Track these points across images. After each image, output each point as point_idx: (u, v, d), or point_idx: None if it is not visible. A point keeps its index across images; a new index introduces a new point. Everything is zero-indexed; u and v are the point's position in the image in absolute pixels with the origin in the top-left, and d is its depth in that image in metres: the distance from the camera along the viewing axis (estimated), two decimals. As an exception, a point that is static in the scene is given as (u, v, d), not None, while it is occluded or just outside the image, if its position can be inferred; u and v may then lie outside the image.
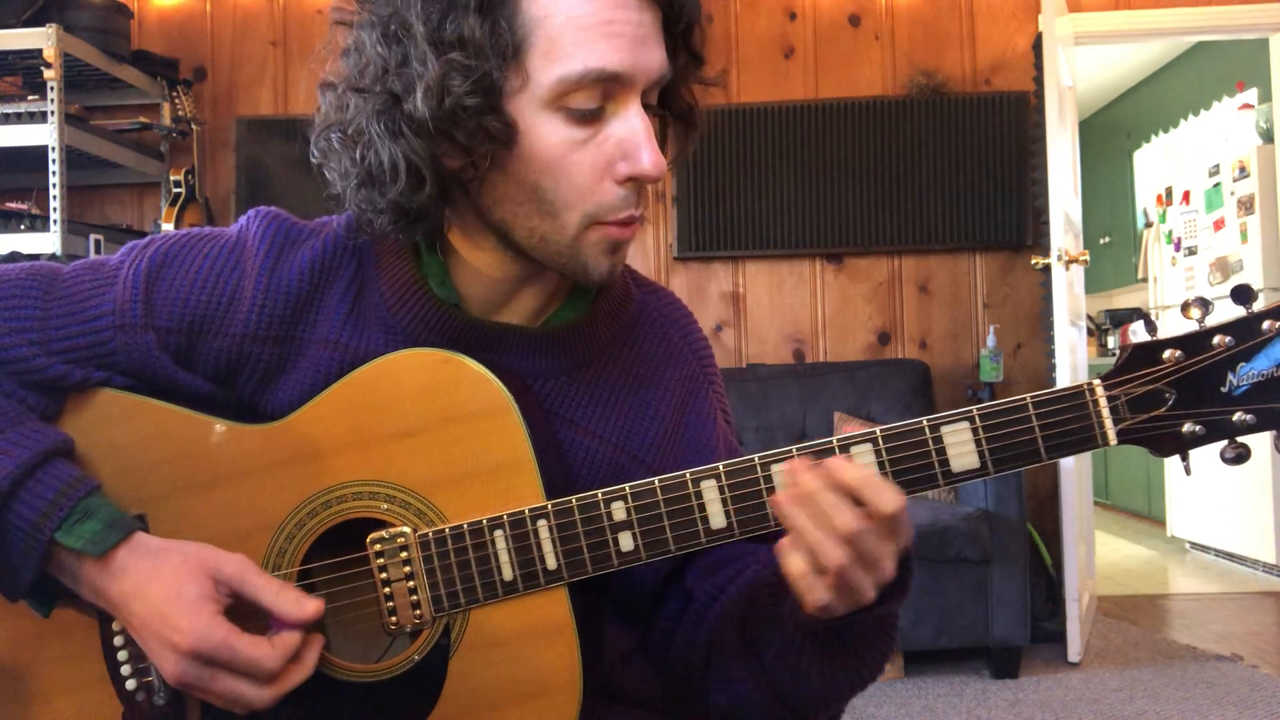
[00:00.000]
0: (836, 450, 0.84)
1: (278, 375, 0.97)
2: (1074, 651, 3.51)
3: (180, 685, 0.85)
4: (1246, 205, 5.05)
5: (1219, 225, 5.32)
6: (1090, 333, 7.02)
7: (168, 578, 0.85)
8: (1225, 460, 0.82)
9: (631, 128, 0.87)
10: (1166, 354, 0.82)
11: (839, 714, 0.98)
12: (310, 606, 0.87)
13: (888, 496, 0.78)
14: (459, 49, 0.83)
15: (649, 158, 0.87)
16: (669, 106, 0.96)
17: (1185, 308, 0.82)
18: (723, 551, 1.00)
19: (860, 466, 0.81)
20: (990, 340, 4.16)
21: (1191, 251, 5.62)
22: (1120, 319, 7.03)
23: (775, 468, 0.85)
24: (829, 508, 0.79)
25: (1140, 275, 6.67)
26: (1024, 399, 0.82)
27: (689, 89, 0.97)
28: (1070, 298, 3.67)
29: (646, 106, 0.90)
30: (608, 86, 0.85)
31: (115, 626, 0.93)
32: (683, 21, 0.91)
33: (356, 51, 0.88)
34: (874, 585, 0.82)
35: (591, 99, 0.85)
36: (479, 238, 0.95)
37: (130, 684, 0.92)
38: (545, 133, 0.86)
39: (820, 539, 0.79)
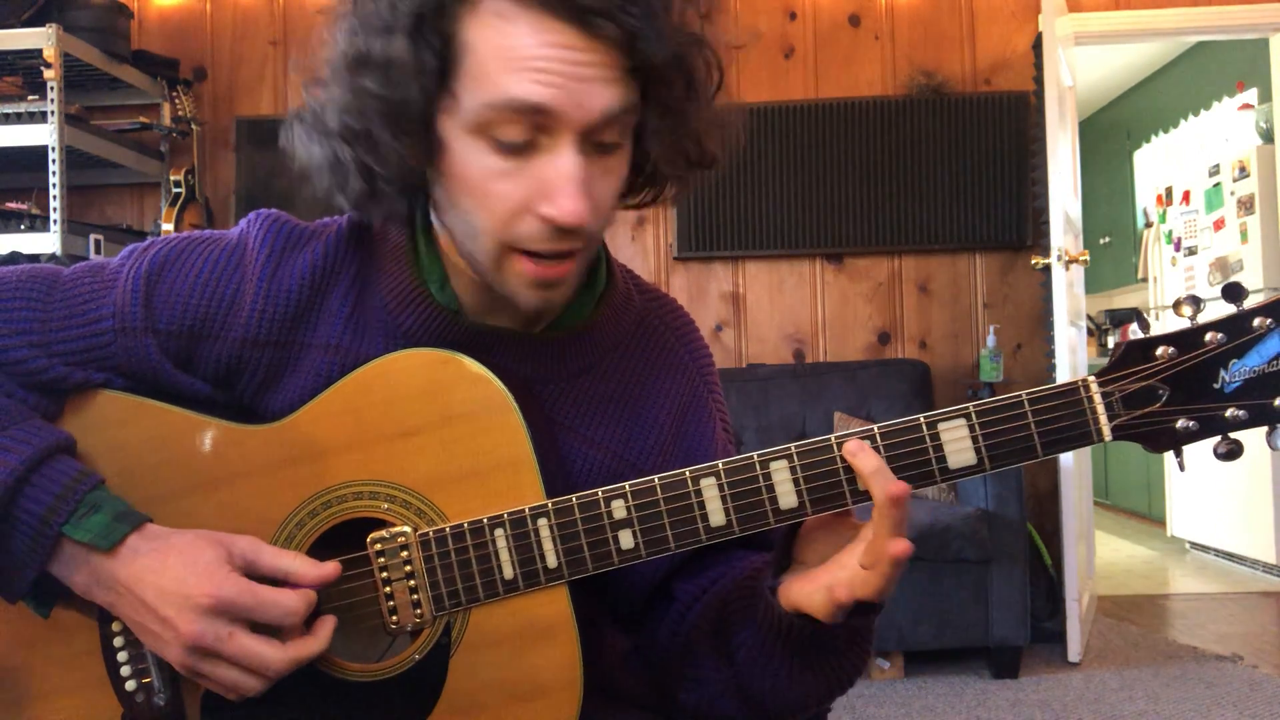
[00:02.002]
0: (835, 449, 0.85)
1: (278, 379, 0.97)
2: (1074, 651, 3.51)
3: (195, 646, 0.84)
4: (1246, 205, 5.05)
5: (1219, 225, 5.32)
6: (1090, 333, 7.02)
7: (184, 549, 0.86)
8: (1218, 456, 0.83)
9: (556, 169, 0.84)
10: (1160, 351, 0.83)
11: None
12: (327, 566, 0.88)
13: (898, 485, 0.82)
14: (378, 71, 0.84)
15: (567, 204, 0.84)
16: (648, 148, 0.92)
17: (1177, 305, 0.83)
18: (709, 555, 1.01)
19: (874, 455, 0.84)
20: (990, 340, 4.16)
21: (1191, 251, 5.62)
22: (1120, 319, 7.03)
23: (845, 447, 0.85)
24: (853, 456, 0.83)
25: (1140, 275, 6.67)
26: (1020, 396, 0.84)
27: (666, 132, 0.91)
28: (1070, 298, 3.67)
29: (606, 145, 0.87)
30: (537, 120, 0.83)
31: (115, 627, 0.93)
32: (646, 65, 0.85)
33: (324, 47, 0.90)
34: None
35: (518, 131, 0.83)
36: (451, 242, 0.96)
37: (130, 684, 0.92)
38: (470, 157, 0.86)
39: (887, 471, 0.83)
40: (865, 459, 0.83)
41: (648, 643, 1.04)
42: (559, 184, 0.84)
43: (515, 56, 0.82)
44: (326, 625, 0.88)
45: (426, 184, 0.92)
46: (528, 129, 0.83)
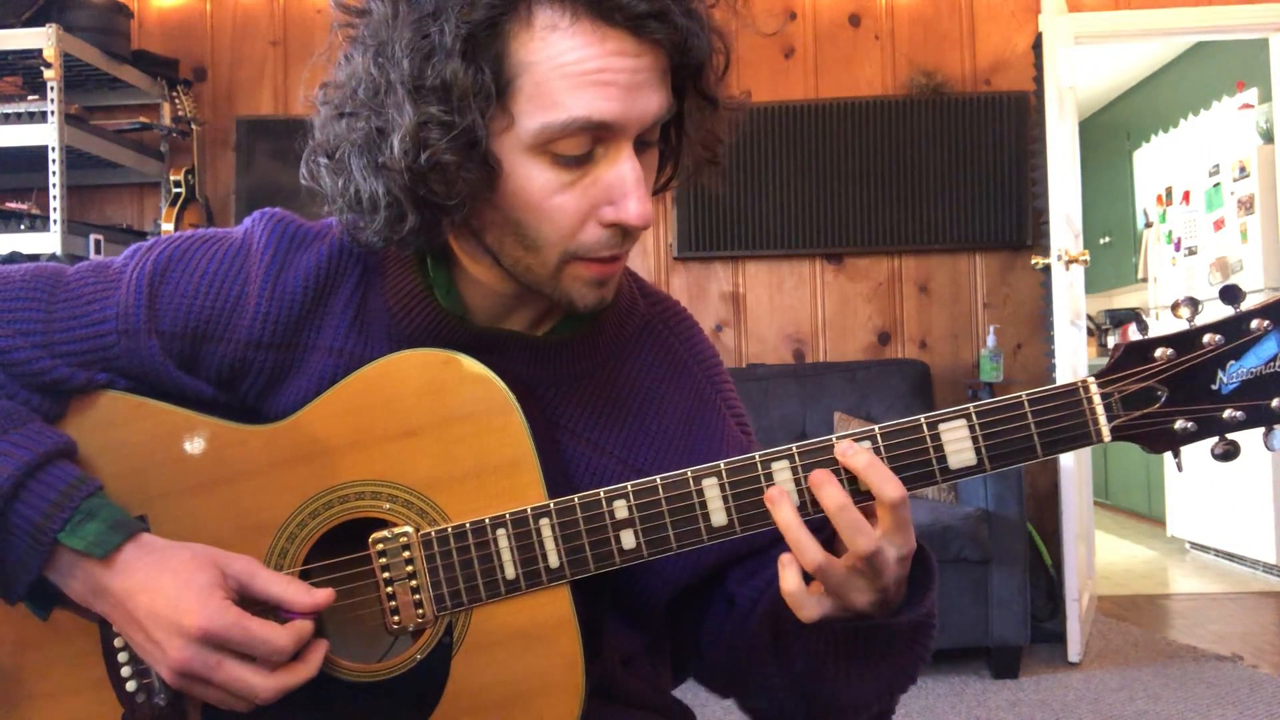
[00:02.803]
0: (836, 449, 0.85)
1: (281, 381, 0.97)
2: (1074, 651, 3.51)
3: (184, 673, 0.83)
4: (1246, 205, 5.06)
5: (1219, 225, 5.32)
6: (1090, 333, 7.02)
7: (178, 568, 0.85)
8: (1215, 456, 0.84)
9: (620, 175, 0.84)
10: (1158, 352, 0.83)
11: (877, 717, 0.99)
12: (321, 594, 0.87)
13: (892, 485, 0.82)
14: (439, 98, 0.80)
15: (635, 208, 0.84)
16: (678, 139, 0.94)
17: (1175, 307, 0.84)
18: (766, 552, 1.01)
19: (867, 451, 0.83)
20: (990, 340, 4.16)
21: (1191, 251, 5.62)
22: (1120, 319, 7.03)
23: (776, 465, 0.86)
24: (851, 527, 0.82)
25: (1140, 275, 6.67)
26: (1020, 396, 0.84)
27: (703, 124, 0.93)
28: (1070, 298, 3.67)
29: (646, 143, 0.88)
30: (597, 133, 0.83)
31: (115, 628, 0.93)
32: (690, 63, 0.87)
33: (349, 66, 0.86)
34: (874, 590, 0.84)
35: (579, 146, 0.83)
36: (477, 254, 0.94)
37: (130, 685, 0.92)
38: (529, 175, 0.84)
39: (822, 560, 0.83)
40: (856, 456, 0.83)
41: (705, 648, 1.04)
42: (625, 189, 0.84)
43: (576, 72, 0.80)
44: (317, 651, 0.87)
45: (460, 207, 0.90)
46: (588, 141, 0.83)
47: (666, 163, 0.96)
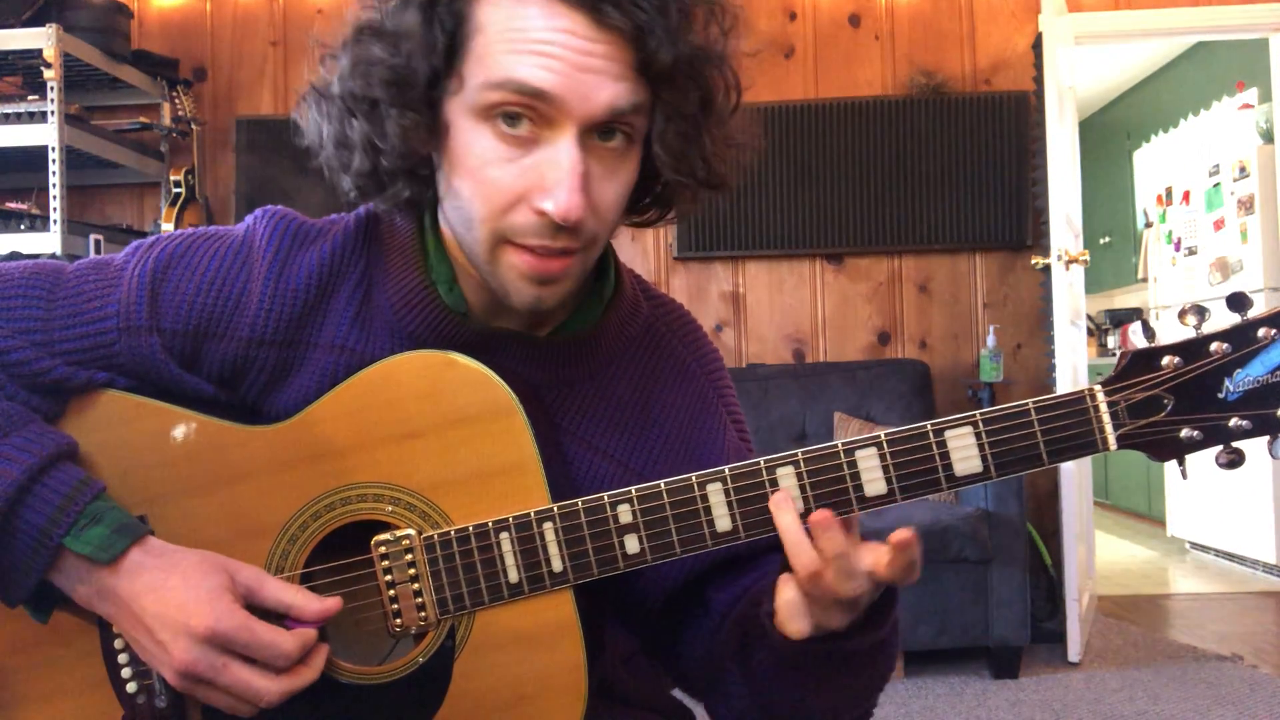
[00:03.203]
0: (842, 454, 0.85)
1: (283, 379, 0.96)
2: (1074, 651, 3.51)
3: (189, 675, 0.83)
4: (1246, 205, 5.06)
5: (1219, 225, 5.32)
6: (1090, 333, 7.03)
7: (186, 571, 0.85)
8: (1220, 465, 0.83)
9: (555, 160, 0.83)
10: (1165, 360, 0.83)
11: None
12: (329, 602, 0.88)
13: (806, 559, 0.83)
14: (389, 41, 0.85)
15: (562, 197, 0.82)
16: (656, 157, 0.90)
17: (1182, 314, 0.83)
18: (741, 560, 1.00)
19: (792, 517, 0.84)
20: (990, 340, 4.16)
21: (1191, 251, 5.62)
22: (1120, 319, 7.03)
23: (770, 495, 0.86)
24: (844, 571, 0.82)
25: (1140, 275, 6.67)
26: (1026, 404, 0.83)
27: (673, 140, 0.89)
28: (1070, 298, 3.67)
29: (612, 145, 0.86)
30: (540, 109, 0.82)
31: (116, 628, 0.92)
32: (656, 66, 0.84)
33: (341, 25, 0.91)
34: (848, 615, 0.85)
35: (521, 118, 0.83)
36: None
37: (131, 686, 0.92)
38: (471, 141, 0.85)
39: (819, 566, 0.83)
40: (786, 516, 0.84)
41: (678, 649, 1.04)
42: (556, 176, 0.83)
43: (522, 38, 0.81)
44: (320, 654, 0.88)
45: (433, 174, 0.92)
46: (530, 117, 0.83)
47: (652, 185, 0.96)
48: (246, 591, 0.87)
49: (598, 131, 0.85)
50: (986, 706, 3.13)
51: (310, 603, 0.87)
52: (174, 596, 0.84)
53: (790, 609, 0.85)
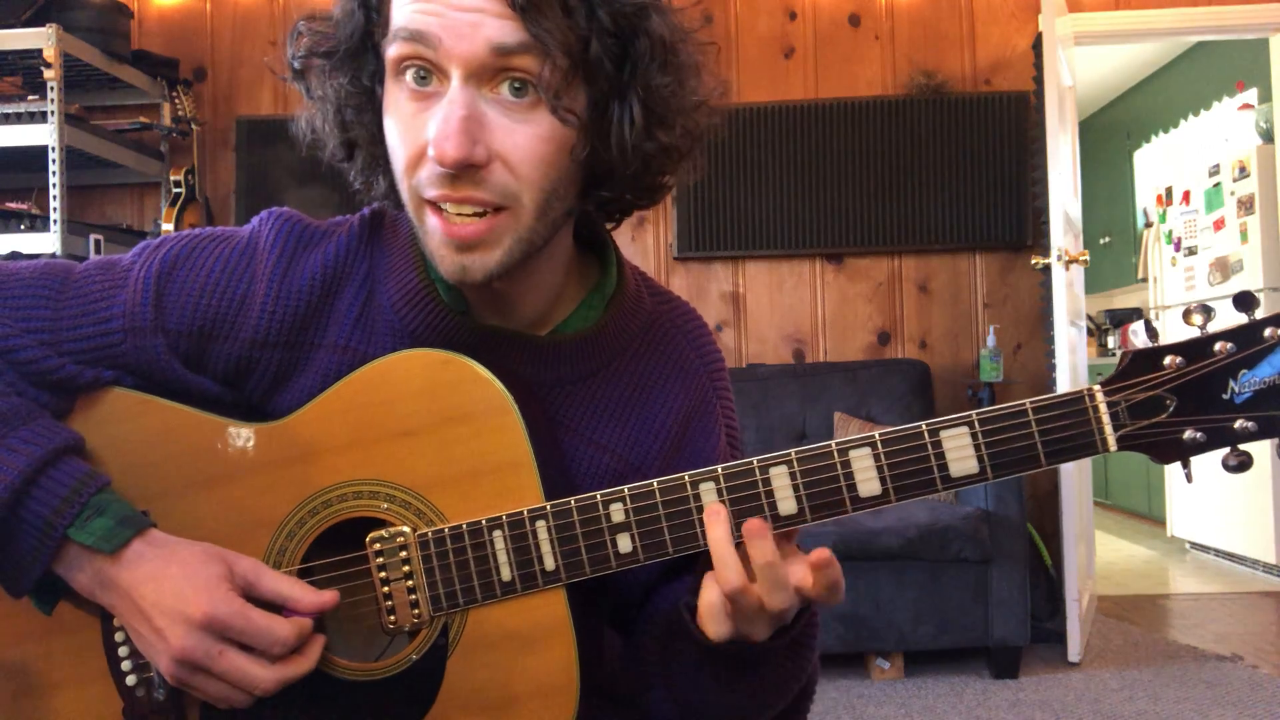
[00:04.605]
0: (835, 455, 0.84)
1: (287, 379, 0.97)
2: (1074, 651, 3.51)
3: (185, 660, 0.84)
4: (1246, 205, 5.05)
5: (1219, 225, 5.32)
6: (1090, 333, 7.02)
7: (185, 560, 0.87)
8: (1228, 468, 0.81)
9: (441, 105, 0.84)
10: (1167, 360, 0.81)
11: None
12: (326, 595, 0.88)
13: (780, 597, 0.83)
14: (330, 21, 0.92)
15: (442, 141, 0.82)
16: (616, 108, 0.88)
17: (1187, 314, 0.81)
18: (696, 561, 1.00)
19: (769, 546, 0.83)
20: (990, 340, 4.16)
21: (1191, 251, 5.62)
22: (1120, 319, 7.03)
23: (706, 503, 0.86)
24: (771, 583, 0.83)
25: (1140, 275, 6.67)
26: (1024, 404, 0.82)
27: (624, 112, 0.88)
28: (1070, 298, 3.67)
29: (515, 89, 0.84)
30: (430, 58, 0.83)
31: (117, 623, 0.93)
32: (529, 8, 0.82)
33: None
34: (771, 627, 0.86)
35: (412, 64, 0.84)
36: None
37: (131, 679, 0.93)
38: (392, 101, 0.88)
39: (741, 584, 0.83)
40: (761, 549, 0.83)
41: (626, 646, 1.04)
42: (438, 122, 0.83)
43: None
44: (316, 644, 0.88)
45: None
46: (428, 69, 0.84)
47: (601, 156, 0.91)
48: (244, 582, 0.87)
49: (493, 79, 0.84)
50: (986, 706, 3.13)
51: (307, 595, 0.88)
52: (172, 585, 0.85)
53: (711, 610, 0.86)
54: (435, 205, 0.86)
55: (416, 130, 0.85)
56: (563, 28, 0.82)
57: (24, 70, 3.88)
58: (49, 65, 3.62)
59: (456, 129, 0.82)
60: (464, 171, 0.83)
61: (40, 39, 3.64)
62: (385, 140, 0.90)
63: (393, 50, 0.85)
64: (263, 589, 0.88)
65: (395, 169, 0.89)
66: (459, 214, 0.86)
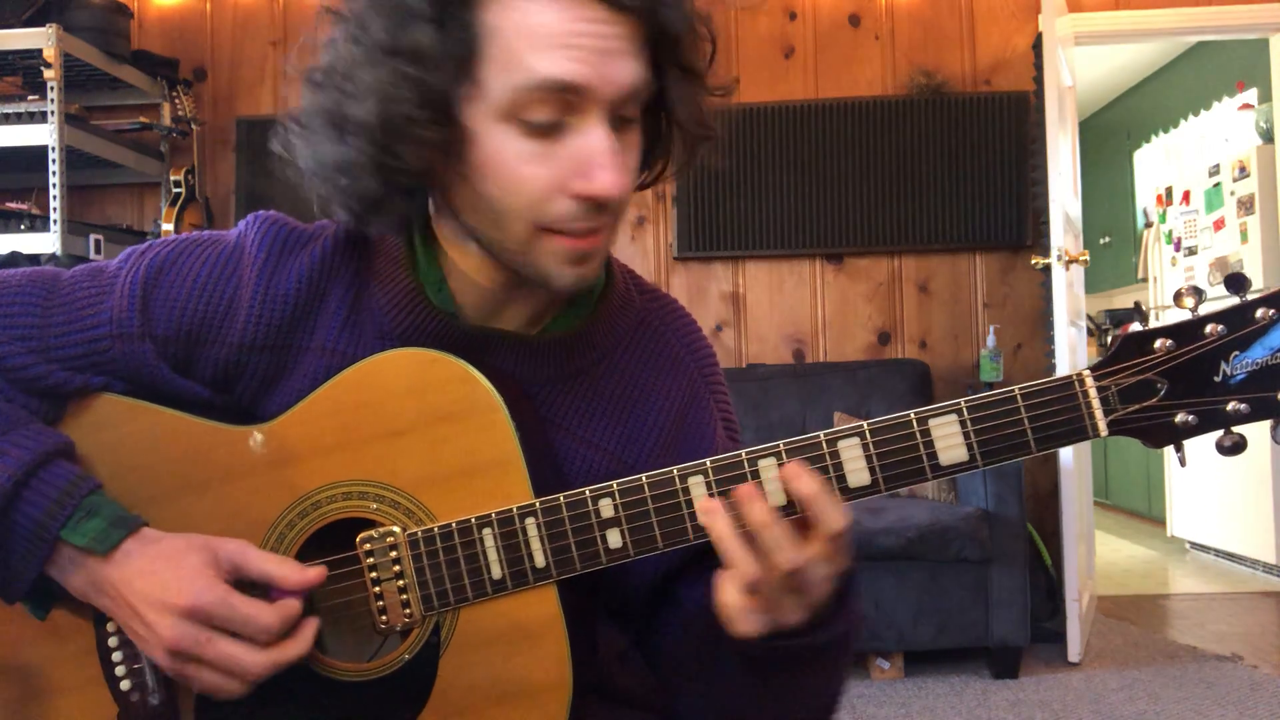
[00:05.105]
0: (824, 445, 0.84)
1: (275, 382, 0.97)
2: (1074, 651, 3.51)
3: (175, 651, 0.84)
4: (1246, 205, 5.05)
5: (1219, 225, 5.32)
6: (1090, 333, 7.01)
7: (171, 554, 0.87)
8: (1222, 450, 0.81)
9: (590, 145, 0.84)
10: (1158, 344, 0.81)
11: None
12: (311, 572, 0.89)
13: (835, 515, 0.80)
14: (409, 59, 0.82)
15: (606, 178, 0.84)
16: (665, 118, 0.93)
17: (1178, 297, 0.81)
18: (713, 557, 1.00)
19: (813, 477, 0.81)
20: (990, 340, 4.16)
21: (1191, 251, 5.62)
22: (1120, 319, 7.02)
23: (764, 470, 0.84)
24: (772, 544, 0.80)
25: (1140, 275, 6.67)
26: (1012, 390, 0.82)
27: (689, 100, 0.92)
28: (1070, 298, 3.66)
29: (626, 120, 0.87)
30: (567, 99, 0.82)
31: (110, 628, 0.93)
32: (667, 35, 0.87)
33: (330, 46, 0.88)
34: (803, 607, 0.83)
35: (549, 112, 0.83)
36: (464, 243, 0.95)
37: (125, 684, 0.93)
38: (498, 144, 0.84)
39: (758, 573, 0.81)
40: (805, 483, 0.81)
41: (654, 647, 1.03)
42: (596, 159, 0.84)
43: (543, 35, 0.81)
44: (309, 628, 0.89)
45: (433, 183, 0.92)
46: (557, 109, 0.83)
47: (656, 149, 0.96)
48: (231, 566, 0.88)
49: (618, 108, 0.86)
50: (986, 706, 3.12)
51: (292, 573, 0.88)
52: (158, 578, 0.86)
53: (732, 611, 0.84)
54: (561, 231, 0.87)
55: (544, 169, 0.85)
56: (686, 53, 0.89)
57: (24, 70, 3.89)
58: (49, 65, 3.62)
59: (616, 165, 0.84)
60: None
61: (40, 39, 3.65)
62: (462, 174, 0.87)
63: (527, 98, 0.82)
64: (250, 570, 0.88)
65: (504, 206, 0.86)
66: (586, 233, 0.88)
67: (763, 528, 0.80)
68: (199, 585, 0.85)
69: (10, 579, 0.88)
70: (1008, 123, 4.29)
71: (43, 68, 3.64)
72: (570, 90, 0.82)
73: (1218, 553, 5.41)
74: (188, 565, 0.86)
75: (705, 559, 0.99)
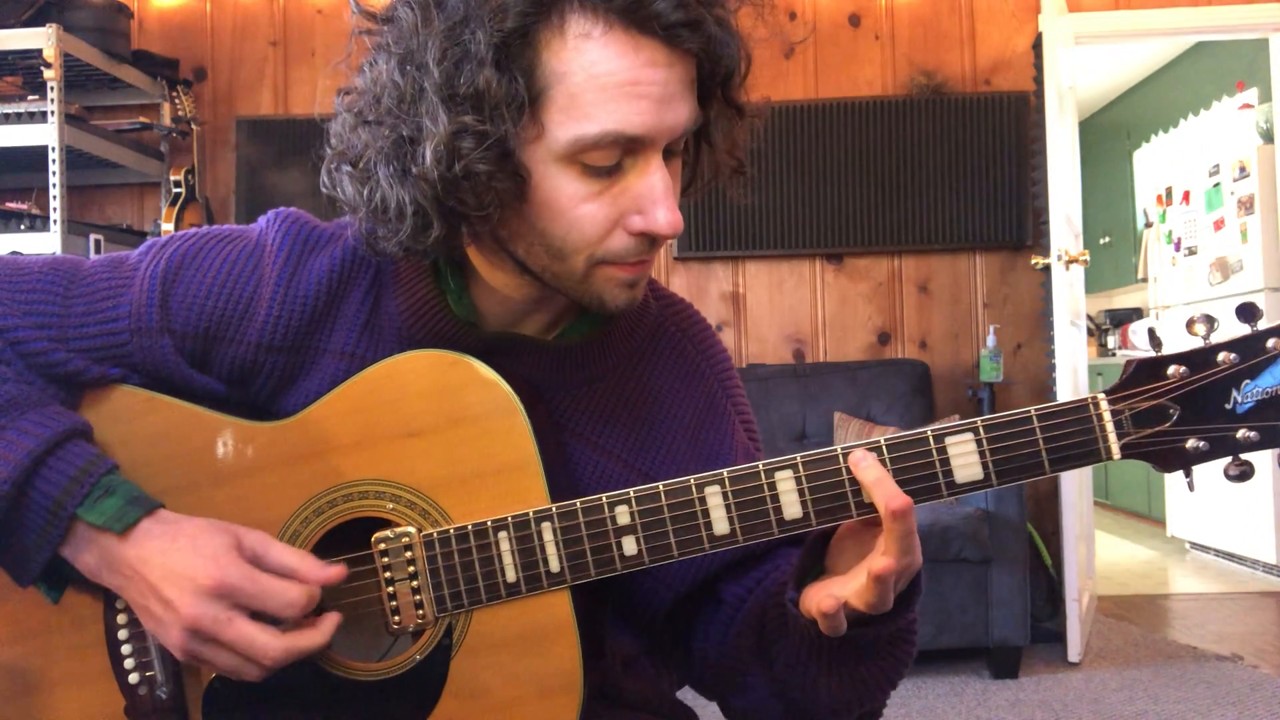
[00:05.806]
0: (841, 460, 0.84)
1: (292, 382, 0.98)
2: (1074, 651, 3.51)
3: (194, 629, 0.84)
4: (1246, 205, 5.06)
5: (1219, 225, 5.32)
6: (1090, 333, 7.03)
7: (193, 534, 0.87)
8: (1230, 478, 0.82)
9: (649, 185, 0.84)
10: (1171, 370, 0.82)
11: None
12: (333, 570, 0.88)
13: (897, 499, 0.81)
14: (473, 107, 0.79)
15: (664, 217, 0.84)
16: (698, 147, 0.94)
17: (1190, 324, 0.82)
18: (754, 554, 1.00)
19: (876, 464, 0.83)
20: (990, 340, 4.16)
21: (1191, 251, 5.62)
22: (1120, 319, 7.03)
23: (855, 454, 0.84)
24: (894, 493, 0.81)
25: (1140, 275, 6.68)
26: (1028, 411, 0.83)
27: (728, 134, 0.94)
28: (1070, 298, 3.67)
29: (671, 152, 0.88)
30: (628, 144, 0.83)
31: (120, 620, 0.93)
32: (719, 72, 0.88)
33: (373, 73, 0.85)
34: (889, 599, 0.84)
35: (609, 157, 0.83)
36: (497, 260, 0.94)
37: (133, 677, 0.93)
38: (558, 184, 0.84)
39: (903, 564, 0.82)
40: (867, 469, 0.82)
41: (695, 650, 1.04)
42: (655, 199, 0.84)
43: (609, 84, 0.80)
44: (330, 620, 0.88)
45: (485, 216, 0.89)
46: (618, 153, 0.83)
47: (695, 176, 0.96)
48: (252, 554, 0.87)
49: (671, 145, 0.87)
50: (986, 706, 3.13)
51: (314, 569, 0.88)
52: (181, 556, 0.85)
53: (832, 623, 0.83)
54: (618, 263, 0.88)
55: (603, 209, 0.85)
56: (734, 89, 0.92)
57: (24, 70, 3.88)
58: (49, 65, 3.61)
59: (673, 204, 0.85)
60: None
61: (40, 39, 3.64)
62: (518, 211, 0.86)
63: (595, 145, 0.82)
64: (270, 561, 0.87)
65: (565, 243, 0.86)
66: (640, 261, 0.89)
67: (879, 483, 0.81)
68: (224, 562, 0.85)
69: (25, 558, 0.88)
70: (1008, 123, 4.29)
71: (43, 68, 3.64)
72: (633, 140, 0.82)
73: (1217, 553, 5.42)
74: (211, 545, 0.85)
75: (748, 558, 1.00)
